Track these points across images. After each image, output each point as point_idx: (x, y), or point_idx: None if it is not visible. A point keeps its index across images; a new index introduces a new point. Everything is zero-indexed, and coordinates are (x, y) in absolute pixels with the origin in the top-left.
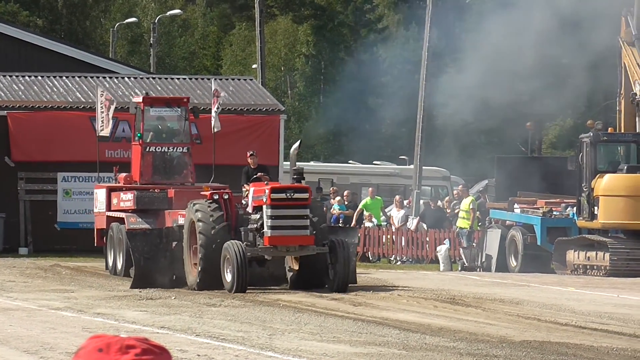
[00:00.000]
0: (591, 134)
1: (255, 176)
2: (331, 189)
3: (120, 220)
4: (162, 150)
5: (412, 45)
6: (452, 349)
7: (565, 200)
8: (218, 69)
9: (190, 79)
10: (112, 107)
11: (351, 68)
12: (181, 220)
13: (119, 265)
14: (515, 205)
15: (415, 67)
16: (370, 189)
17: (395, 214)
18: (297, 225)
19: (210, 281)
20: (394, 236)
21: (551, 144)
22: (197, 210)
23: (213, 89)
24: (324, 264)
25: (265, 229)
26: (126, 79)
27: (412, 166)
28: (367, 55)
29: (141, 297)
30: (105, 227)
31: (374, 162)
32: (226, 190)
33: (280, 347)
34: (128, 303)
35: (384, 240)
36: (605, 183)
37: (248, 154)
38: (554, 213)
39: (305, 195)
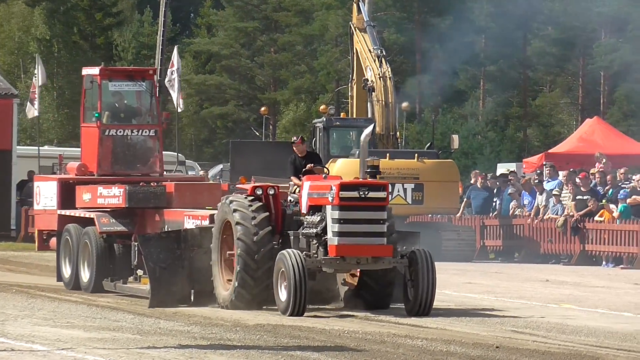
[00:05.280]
0: (324, 119)
1: (305, 168)
2: None
3: (83, 221)
4: (125, 133)
5: (147, 29)
6: (187, 333)
7: None
8: None
9: None
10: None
11: (87, 53)
12: (189, 223)
13: (84, 277)
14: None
15: (151, 52)
16: None
17: None
18: (372, 232)
19: (248, 299)
20: None
21: (285, 128)
22: (235, 210)
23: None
24: (390, 280)
25: (331, 235)
26: None
27: None
28: (102, 39)
29: None
30: (56, 229)
31: None
32: (272, 185)
33: (13, 333)
34: None
35: None
36: (338, 168)
37: (293, 140)
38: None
39: (383, 195)
